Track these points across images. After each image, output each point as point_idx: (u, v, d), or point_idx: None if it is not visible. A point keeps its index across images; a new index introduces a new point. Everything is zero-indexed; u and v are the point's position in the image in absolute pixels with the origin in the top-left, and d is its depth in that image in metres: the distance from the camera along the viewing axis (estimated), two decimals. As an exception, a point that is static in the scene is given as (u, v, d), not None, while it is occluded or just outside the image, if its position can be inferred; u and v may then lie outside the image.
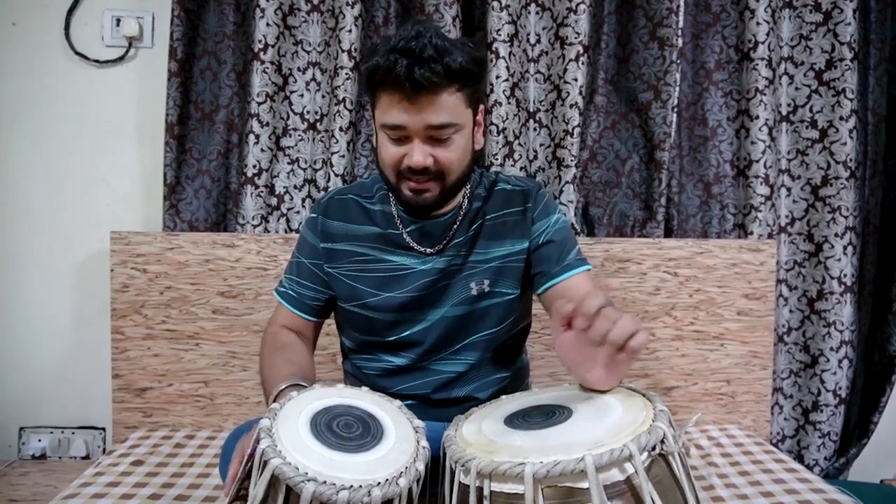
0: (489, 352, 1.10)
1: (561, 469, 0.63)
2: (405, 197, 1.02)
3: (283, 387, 0.92)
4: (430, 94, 0.93)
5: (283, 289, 1.16)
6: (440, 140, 0.97)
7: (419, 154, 0.96)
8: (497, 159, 1.62)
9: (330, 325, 1.55)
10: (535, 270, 1.08)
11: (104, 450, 1.70)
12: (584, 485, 0.63)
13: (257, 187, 1.61)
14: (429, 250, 1.08)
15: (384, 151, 1.01)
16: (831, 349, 1.68)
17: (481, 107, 1.06)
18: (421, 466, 0.75)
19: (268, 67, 1.60)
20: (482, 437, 0.75)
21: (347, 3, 1.56)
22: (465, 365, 1.09)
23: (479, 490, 0.67)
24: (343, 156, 1.60)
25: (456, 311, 1.07)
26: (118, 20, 1.67)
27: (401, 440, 0.79)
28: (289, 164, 1.65)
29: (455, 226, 1.09)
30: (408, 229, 1.09)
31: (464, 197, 1.10)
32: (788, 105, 1.72)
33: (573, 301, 0.76)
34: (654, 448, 0.66)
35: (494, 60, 1.59)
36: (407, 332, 1.08)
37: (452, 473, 0.73)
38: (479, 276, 1.07)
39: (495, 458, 0.67)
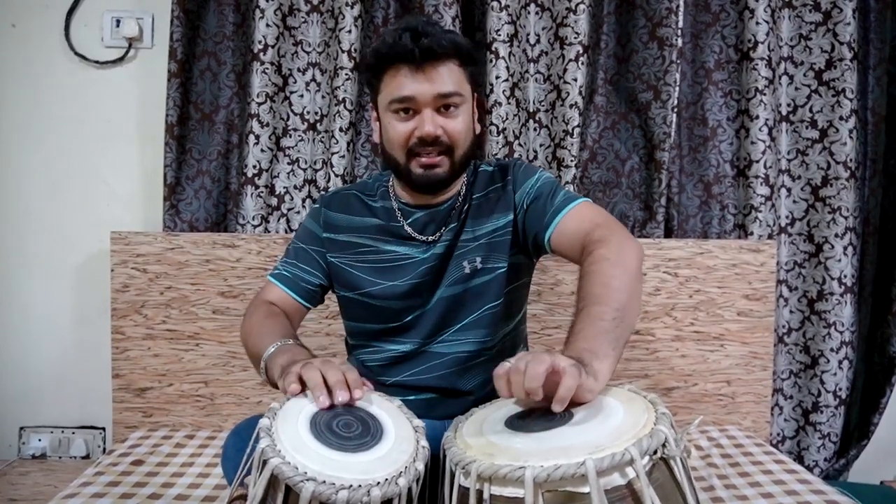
0: (488, 334, 1.10)
1: (561, 473, 0.62)
2: (416, 175, 1.04)
3: (282, 344, 0.96)
4: (437, 63, 0.99)
5: (276, 270, 1.16)
6: (448, 111, 1.02)
7: (430, 123, 1.00)
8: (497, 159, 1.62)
9: (331, 324, 1.56)
10: (531, 233, 1.07)
11: (104, 449, 1.70)
12: (585, 489, 0.62)
13: (257, 187, 1.62)
14: (429, 238, 1.10)
15: (392, 131, 1.03)
16: (831, 350, 1.68)
17: (476, 95, 1.10)
18: (420, 466, 0.75)
19: (268, 68, 1.60)
20: (482, 439, 0.75)
21: (347, 4, 1.56)
22: (468, 345, 1.09)
23: (479, 493, 0.67)
24: (343, 156, 1.60)
25: (451, 290, 1.09)
26: (118, 21, 1.67)
27: (400, 440, 0.79)
28: (289, 164, 1.65)
29: (453, 212, 1.11)
30: (408, 221, 1.11)
31: (462, 184, 1.12)
32: (788, 105, 1.71)
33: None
34: (655, 452, 0.66)
35: (494, 60, 1.59)
36: (408, 318, 1.10)
37: (452, 475, 0.73)
38: (471, 255, 1.09)
39: (495, 462, 0.67)
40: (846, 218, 1.67)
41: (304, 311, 1.17)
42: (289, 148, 1.65)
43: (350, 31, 1.57)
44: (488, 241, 1.09)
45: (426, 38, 0.97)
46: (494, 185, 1.12)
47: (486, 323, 1.10)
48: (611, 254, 0.90)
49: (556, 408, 0.70)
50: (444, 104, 1.01)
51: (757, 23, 1.62)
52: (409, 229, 1.11)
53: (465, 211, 1.11)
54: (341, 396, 0.80)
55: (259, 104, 1.59)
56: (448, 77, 1.00)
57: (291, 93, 1.65)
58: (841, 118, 1.66)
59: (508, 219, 1.09)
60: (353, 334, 1.18)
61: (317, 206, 1.18)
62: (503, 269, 1.09)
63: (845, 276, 1.67)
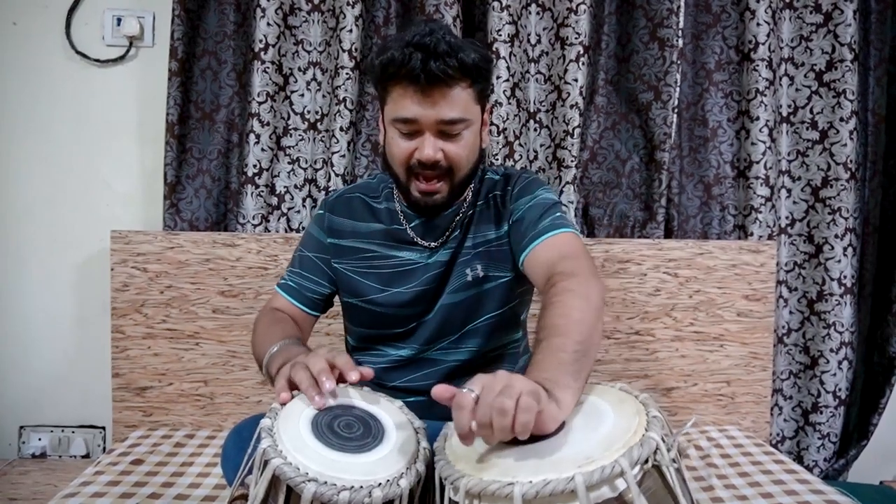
0: (489, 342, 1.09)
1: (551, 489, 0.61)
2: (414, 198, 1.04)
3: (279, 346, 0.96)
4: (444, 88, 0.96)
5: (283, 281, 1.17)
6: (451, 135, 0.99)
7: (430, 148, 0.98)
8: (497, 159, 1.62)
9: (331, 324, 1.56)
10: (514, 250, 1.06)
11: (104, 449, 1.70)
12: None
13: (258, 187, 1.61)
14: (433, 244, 1.09)
15: (394, 147, 1.02)
16: (831, 350, 1.68)
17: (488, 105, 1.08)
18: (422, 467, 0.75)
19: (268, 67, 1.60)
20: (471, 450, 0.72)
21: (348, 3, 1.56)
22: (468, 353, 1.09)
23: None
24: (343, 155, 1.60)
25: (454, 297, 1.08)
26: (119, 19, 1.66)
27: (402, 441, 0.79)
28: (289, 163, 1.65)
29: (457, 219, 1.10)
30: (411, 224, 1.10)
31: (469, 190, 1.11)
32: (789, 106, 1.72)
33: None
34: (646, 461, 0.64)
35: (495, 61, 1.59)
36: (412, 324, 1.10)
37: (443, 487, 0.72)
38: (472, 262, 1.08)
39: (484, 477, 0.65)
40: (846, 219, 1.67)
41: (313, 320, 1.16)
42: (289, 147, 1.65)
43: (351, 31, 1.57)
44: (487, 250, 1.09)
45: (435, 62, 0.93)
46: (495, 193, 1.11)
47: (486, 331, 1.09)
48: (574, 286, 0.87)
49: (522, 437, 0.65)
50: (447, 129, 0.98)
51: (758, 24, 1.62)
52: (412, 233, 1.10)
53: (469, 217, 1.10)
54: (327, 385, 0.79)
55: (259, 103, 1.59)
56: (455, 102, 0.97)
57: (292, 92, 1.64)
58: (841, 119, 1.66)
59: (505, 230, 1.09)
60: (354, 337, 1.18)
61: (320, 211, 1.17)
62: (507, 279, 1.09)
63: (845, 277, 1.67)
